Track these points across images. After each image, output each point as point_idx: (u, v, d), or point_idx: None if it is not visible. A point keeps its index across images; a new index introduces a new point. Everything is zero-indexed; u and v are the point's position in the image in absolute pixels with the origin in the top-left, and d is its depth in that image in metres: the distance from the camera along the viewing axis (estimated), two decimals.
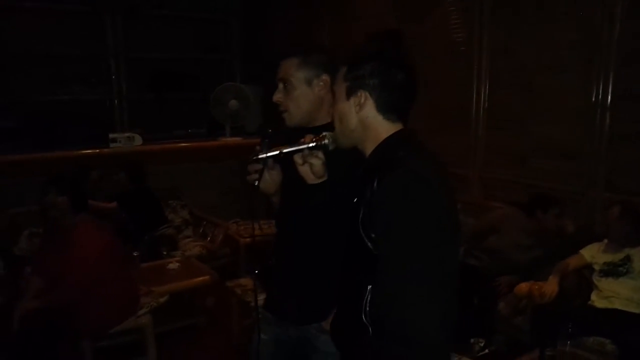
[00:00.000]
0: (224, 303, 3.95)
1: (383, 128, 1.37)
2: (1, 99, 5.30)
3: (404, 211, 1.20)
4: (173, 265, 4.02)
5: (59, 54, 5.61)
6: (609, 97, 3.34)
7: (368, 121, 1.37)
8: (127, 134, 5.35)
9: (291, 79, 1.69)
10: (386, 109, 1.36)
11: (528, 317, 3.17)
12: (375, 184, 1.25)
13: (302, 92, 1.70)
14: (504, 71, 3.89)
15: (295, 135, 1.64)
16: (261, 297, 3.29)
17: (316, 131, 1.57)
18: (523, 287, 3.24)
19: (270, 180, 1.70)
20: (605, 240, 3.16)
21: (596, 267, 3.10)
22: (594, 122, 3.41)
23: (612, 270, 3.02)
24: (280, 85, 1.73)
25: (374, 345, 1.27)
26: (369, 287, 1.29)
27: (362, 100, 1.35)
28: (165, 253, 4.36)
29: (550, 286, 3.08)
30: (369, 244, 1.26)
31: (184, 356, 3.61)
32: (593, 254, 3.16)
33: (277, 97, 1.74)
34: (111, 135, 5.27)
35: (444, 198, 1.26)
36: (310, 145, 1.49)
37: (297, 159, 1.53)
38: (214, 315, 4.09)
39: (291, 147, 1.52)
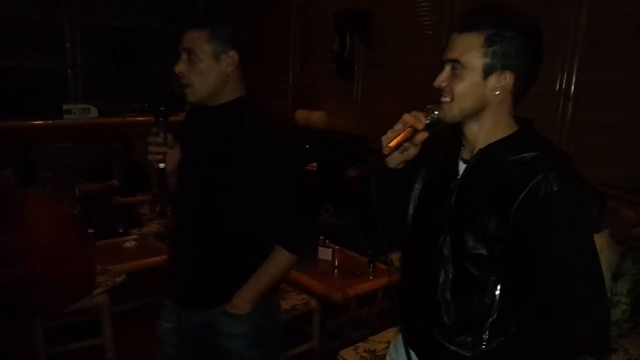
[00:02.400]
0: None
1: (509, 113, 1.25)
2: None
3: (585, 225, 1.23)
4: (130, 243, 3.91)
5: (11, 18, 5.29)
6: (573, 87, 3.39)
7: (498, 105, 1.22)
8: (81, 106, 5.15)
9: (197, 51, 1.58)
10: (520, 92, 1.22)
11: None
12: (545, 188, 1.14)
13: (208, 66, 1.59)
14: None
15: (197, 112, 1.59)
16: None
17: (223, 109, 1.53)
18: None
19: (169, 159, 1.62)
20: None
21: None
22: (557, 111, 3.46)
23: None
24: (185, 56, 1.61)
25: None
26: (499, 285, 1.24)
27: (507, 83, 1.19)
28: (121, 231, 4.23)
29: None
30: (513, 242, 1.20)
31: (140, 336, 3.51)
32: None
33: (180, 68, 1.61)
34: (65, 107, 5.05)
35: None
36: (427, 121, 1.22)
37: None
38: None
39: (401, 137, 1.23)
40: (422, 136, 1.24)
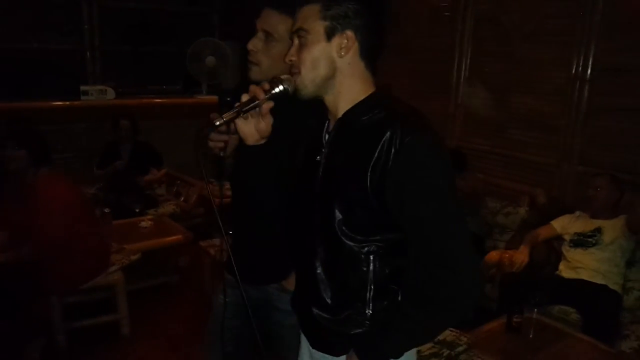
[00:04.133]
0: (197, 263, 3.94)
1: (362, 77, 1.24)
2: None
3: (440, 176, 1.15)
4: (146, 223, 3.97)
5: (29, 0, 5.35)
6: (589, 70, 3.35)
7: (348, 68, 1.22)
8: (99, 87, 5.19)
9: (275, 34, 1.56)
10: (369, 55, 1.23)
11: (496, 285, 3.23)
12: (394, 145, 1.13)
13: (281, 50, 1.54)
14: (487, 39, 3.86)
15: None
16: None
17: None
18: (493, 255, 3.30)
19: (230, 144, 1.57)
20: (577, 212, 3.21)
21: (566, 237, 3.16)
22: (573, 95, 3.42)
23: (582, 241, 3.08)
24: (261, 35, 1.58)
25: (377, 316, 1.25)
26: (371, 256, 1.22)
27: (349, 41, 1.20)
28: (137, 211, 4.30)
29: (521, 255, 3.14)
30: (379, 208, 1.18)
31: (155, 314, 3.61)
32: (564, 225, 3.21)
33: (254, 45, 1.58)
34: (82, 88, 5.10)
35: None
36: (273, 92, 1.27)
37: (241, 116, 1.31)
38: (186, 274, 4.08)
39: (247, 103, 1.29)
40: (267, 105, 1.28)
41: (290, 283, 1.68)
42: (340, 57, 1.21)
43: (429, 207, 1.14)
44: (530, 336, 2.59)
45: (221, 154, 1.49)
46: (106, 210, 3.58)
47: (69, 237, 2.89)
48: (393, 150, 1.13)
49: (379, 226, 1.21)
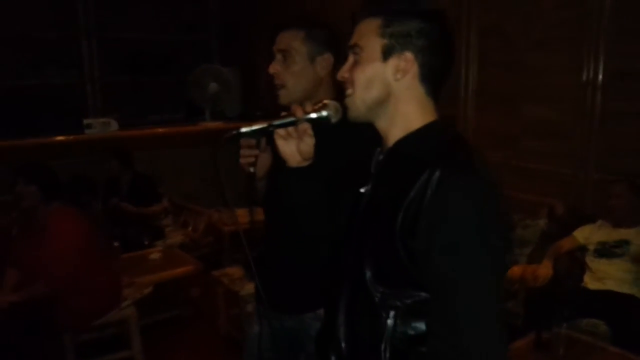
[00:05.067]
0: (209, 293, 3.86)
1: (420, 104, 1.12)
2: None
3: (474, 226, 0.98)
4: (155, 255, 3.89)
5: (28, 36, 5.35)
6: (600, 76, 3.29)
7: (404, 93, 1.10)
8: (102, 119, 5.17)
9: (293, 52, 1.56)
10: (431, 79, 1.10)
11: (521, 301, 3.14)
12: (430, 186, 1.00)
13: (303, 68, 1.57)
14: (493, 50, 3.82)
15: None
16: (248, 287, 3.25)
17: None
18: (516, 270, 3.21)
19: (260, 164, 1.56)
20: (599, 221, 3.13)
21: (590, 248, 3.08)
22: (585, 102, 3.37)
23: (607, 251, 3.00)
24: (279, 57, 1.59)
25: None
26: (392, 312, 1.07)
27: (408, 63, 1.08)
28: (147, 243, 4.22)
29: (544, 269, 3.05)
30: (405, 256, 1.03)
31: (169, 348, 3.51)
32: (586, 235, 3.13)
33: (275, 68, 1.59)
34: (85, 121, 5.08)
35: (503, 208, 1.07)
36: (309, 116, 1.21)
37: (281, 132, 1.24)
38: (199, 305, 3.99)
39: (283, 118, 1.23)
40: (304, 127, 1.21)
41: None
42: (396, 80, 1.10)
43: (453, 265, 0.98)
44: (561, 352, 2.50)
45: (251, 170, 1.45)
46: (115, 244, 3.51)
47: (81, 273, 2.82)
48: (429, 191, 0.99)
49: (407, 279, 1.05)
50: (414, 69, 1.09)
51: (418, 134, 1.11)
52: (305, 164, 1.26)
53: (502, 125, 3.83)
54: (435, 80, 1.12)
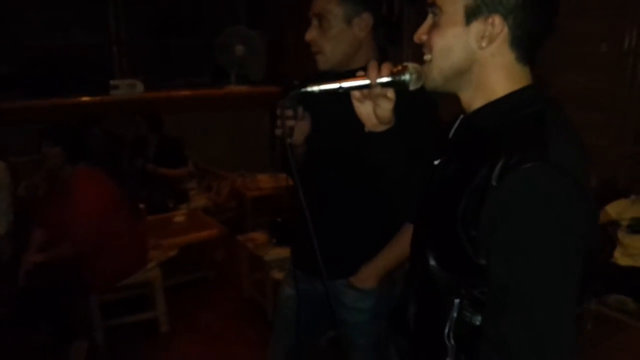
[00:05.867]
0: (233, 257, 3.88)
1: (509, 71, 0.95)
2: None
3: (540, 225, 0.83)
4: (180, 218, 3.92)
5: None
6: None
7: (490, 61, 0.94)
8: (128, 81, 5.15)
9: (328, 16, 1.49)
10: (524, 43, 0.93)
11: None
12: (496, 172, 0.86)
13: (340, 31, 1.50)
14: None
15: (326, 79, 1.44)
16: (273, 253, 3.25)
17: (351, 75, 1.28)
18: None
19: (298, 131, 1.53)
20: (633, 196, 3.04)
21: (623, 224, 2.99)
22: (625, 71, 3.22)
23: None
24: (315, 22, 1.53)
25: None
26: (456, 301, 0.97)
27: (495, 29, 0.91)
28: (171, 206, 4.25)
29: None
30: (468, 245, 0.91)
31: (193, 310, 3.55)
32: (619, 210, 3.04)
33: (311, 35, 1.53)
34: (112, 82, 5.08)
35: (591, 200, 0.88)
36: (385, 80, 1.06)
37: (356, 94, 1.11)
38: (222, 269, 4.02)
39: (355, 80, 1.10)
40: (379, 91, 1.07)
41: (359, 280, 1.64)
42: (481, 48, 0.93)
43: (516, 267, 0.84)
44: (589, 327, 2.46)
45: (288, 140, 1.39)
46: (141, 205, 3.53)
47: (107, 234, 2.85)
48: (493, 178, 0.85)
49: (471, 269, 0.93)
50: (503, 34, 0.92)
51: (497, 104, 0.95)
52: (382, 128, 1.15)
53: None
54: (531, 43, 0.94)
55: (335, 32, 1.51)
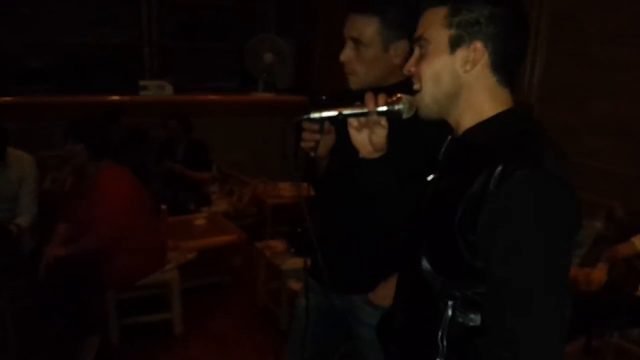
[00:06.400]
0: (250, 264, 3.88)
1: (493, 94, 1.05)
2: (32, 40, 5.18)
3: (539, 230, 0.92)
4: (200, 221, 3.93)
5: None
6: None
7: (475, 84, 1.04)
8: (157, 82, 5.22)
9: (366, 42, 1.47)
10: (503, 67, 1.04)
11: (570, 305, 3.02)
12: (493, 180, 0.94)
13: (376, 56, 1.49)
14: (564, 39, 3.62)
15: (353, 96, 1.40)
16: (290, 262, 3.24)
17: (384, 92, 1.31)
18: None
19: (323, 145, 1.51)
20: None
21: None
22: None
23: None
24: (351, 44, 1.51)
25: None
26: (450, 303, 1.05)
27: (477, 54, 1.02)
28: (192, 208, 4.27)
29: (599, 274, 2.91)
30: (465, 249, 0.99)
31: (207, 313, 3.55)
32: None
33: (346, 56, 1.52)
34: (142, 83, 5.14)
35: (579, 202, 0.97)
36: (381, 109, 1.18)
37: (354, 123, 1.23)
38: (240, 275, 4.02)
39: (354, 109, 1.21)
40: (375, 119, 1.19)
41: (377, 297, 1.63)
42: (466, 72, 1.04)
43: (513, 266, 0.93)
44: None
45: (312, 154, 1.42)
46: (163, 206, 3.55)
47: (128, 233, 2.86)
48: (491, 186, 0.94)
49: (468, 272, 1.02)
50: (484, 58, 1.03)
51: (488, 124, 1.05)
52: (377, 155, 1.25)
53: (565, 119, 3.65)
54: (509, 67, 1.06)
55: (372, 58, 1.49)
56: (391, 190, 1.30)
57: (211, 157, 4.67)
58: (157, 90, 5.13)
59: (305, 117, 1.23)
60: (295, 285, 3.13)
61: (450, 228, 1.00)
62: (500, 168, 0.93)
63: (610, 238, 3.19)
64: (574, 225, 0.97)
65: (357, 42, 1.49)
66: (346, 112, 1.21)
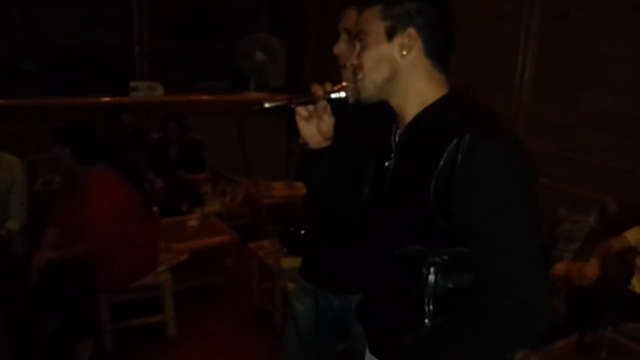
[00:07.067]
0: (243, 264, 3.86)
1: (430, 78, 1.17)
2: (21, 41, 5.13)
3: (511, 185, 1.05)
4: (193, 222, 3.91)
5: None
6: None
7: (412, 69, 1.16)
8: (148, 83, 5.19)
9: (362, 36, 1.47)
10: (435, 53, 1.16)
11: (563, 299, 3.03)
12: (461, 151, 1.05)
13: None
14: (555, 35, 3.62)
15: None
16: (283, 262, 3.23)
17: None
18: (560, 267, 3.09)
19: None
20: None
21: None
22: None
23: None
24: (344, 36, 1.52)
25: (432, 335, 1.16)
26: (432, 268, 1.15)
27: (411, 40, 1.14)
28: (185, 209, 4.24)
29: (592, 268, 2.91)
30: (441, 220, 1.09)
31: (201, 314, 3.54)
32: (638, 237, 2.97)
33: (339, 48, 1.53)
34: (132, 84, 5.11)
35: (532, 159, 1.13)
36: (329, 96, 1.25)
37: (303, 112, 1.28)
38: (233, 275, 4.01)
39: (303, 97, 1.26)
40: (322, 105, 1.26)
41: None
42: (402, 57, 1.16)
43: (495, 222, 1.05)
44: (604, 357, 2.40)
45: (300, 141, 1.42)
46: (154, 208, 3.53)
47: (119, 236, 2.84)
48: (460, 155, 1.05)
49: (444, 239, 1.13)
50: (417, 44, 1.15)
51: (437, 105, 1.17)
52: (325, 144, 1.32)
53: (558, 115, 3.65)
54: (440, 54, 1.18)
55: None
56: (340, 178, 1.35)
57: (205, 157, 4.65)
58: (147, 90, 5.10)
59: (259, 106, 1.26)
60: (289, 285, 3.11)
61: (426, 204, 1.10)
62: (466, 139, 1.05)
63: (602, 233, 3.20)
64: (534, 175, 1.16)
65: (353, 35, 1.48)
66: (296, 100, 1.27)
